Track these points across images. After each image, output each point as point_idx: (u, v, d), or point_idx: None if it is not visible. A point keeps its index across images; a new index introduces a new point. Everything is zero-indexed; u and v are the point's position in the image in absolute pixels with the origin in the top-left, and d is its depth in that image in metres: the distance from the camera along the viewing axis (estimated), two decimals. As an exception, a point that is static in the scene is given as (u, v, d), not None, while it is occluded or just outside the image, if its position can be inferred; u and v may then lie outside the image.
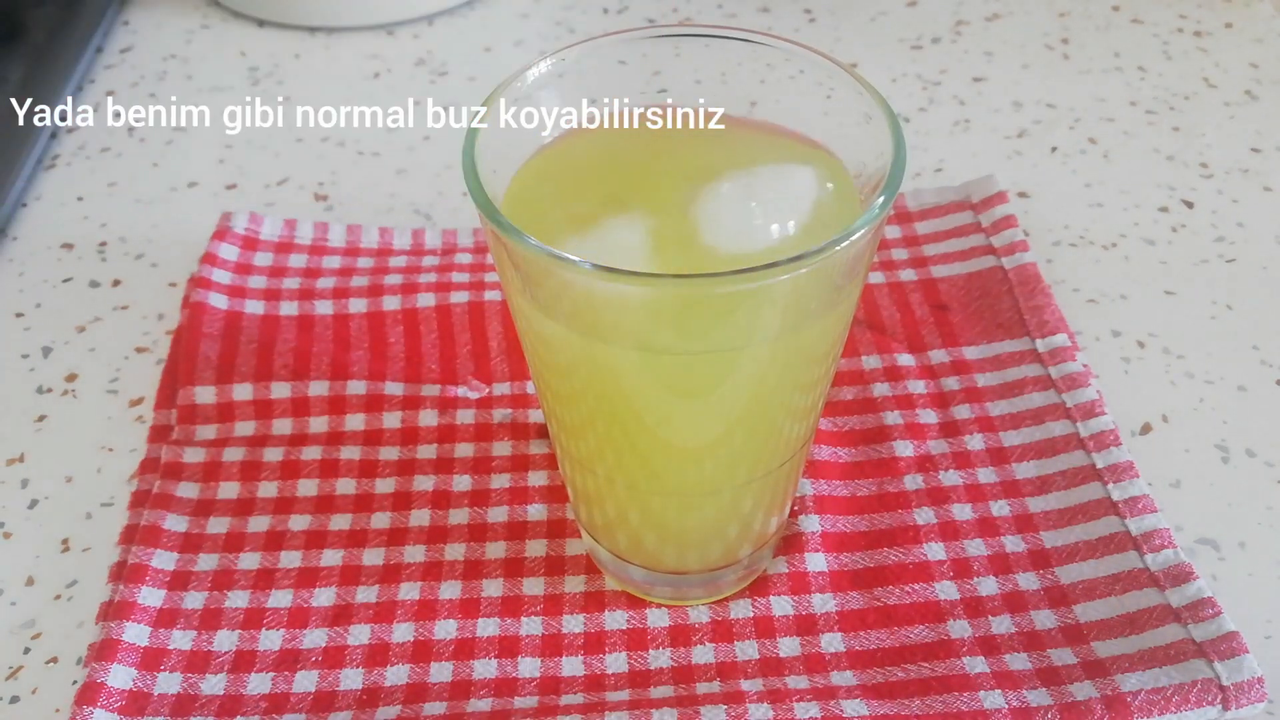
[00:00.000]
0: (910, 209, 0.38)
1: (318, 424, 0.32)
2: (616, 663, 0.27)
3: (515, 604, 0.28)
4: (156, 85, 0.47)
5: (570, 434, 0.26)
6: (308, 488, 0.31)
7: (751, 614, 0.28)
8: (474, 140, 0.23)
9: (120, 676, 0.26)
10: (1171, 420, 0.32)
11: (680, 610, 0.28)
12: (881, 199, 0.21)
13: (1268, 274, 0.37)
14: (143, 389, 0.34)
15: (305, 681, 0.27)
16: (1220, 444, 0.32)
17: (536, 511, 0.30)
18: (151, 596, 0.28)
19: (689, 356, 0.23)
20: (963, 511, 0.29)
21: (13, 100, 0.42)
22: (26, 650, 0.28)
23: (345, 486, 0.31)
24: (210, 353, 0.34)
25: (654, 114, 0.26)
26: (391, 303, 0.36)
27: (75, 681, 0.27)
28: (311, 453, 0.31)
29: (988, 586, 0.28)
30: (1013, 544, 0.29)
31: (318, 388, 0.33)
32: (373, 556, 0.29)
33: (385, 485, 0.31)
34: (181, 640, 0.27)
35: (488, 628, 0.28)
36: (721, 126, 0.26)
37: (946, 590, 0.28)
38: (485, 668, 0.27)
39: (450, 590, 0.28)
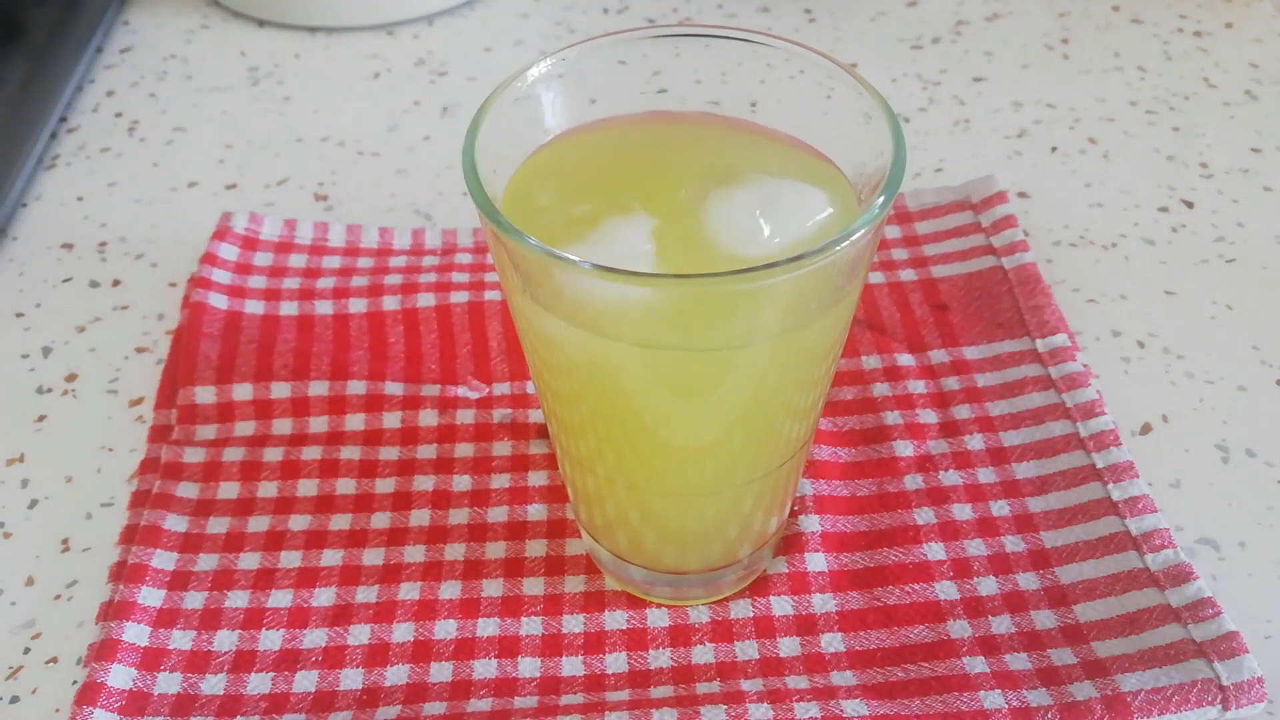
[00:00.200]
0: (910, 209, 0.38)
1: (318, 424, 0.32)
2: (616, 663, 0.27)
3: (515, 604, 0.28)
4: (156, 85, 0.47)
5: (570, 434, 0.26)
6: (308, 488, 0.31)
7: (751, 614, 0.28)
8: (474, 140, 0.23)
9: (120, 676, 0.26)
10: (1171, 420, 0.32)
11: (680, 610, 0.28)
12: (881, 199, 0.21)
13: (1268, 274, 0.37)
14: (143, 389, 0.34)
15: (305, 681, 0.27)
16: (1220, 444, 0.32)
17: (536, 511, 0.30)
18: (151, 596, 0.28)
19: (689, 356, 0.23)
20: (963, 511, 0.29)
21: (12, 100, 0.42)
22: (26, 650, 0.28)
23: (345, 486, 0.31)
24: (210, 353, 0.34)
25: (653, 115, 0.26)
26: (391, 303, 0.36)
27: (75, 681, 0.27)
28: (311, 453, 0.31)
29: (988, 586, 0.28)
30: (1013, 544, 0.29)
31: (318, 388, 0.33)
32: (373, 556, 0.29)
33: (385, 485, 0.31)
34: (181, 640, 0.27)
35: (488, 628, 0.28)
36: (721, 127, 0.26)
37: (946, 590, 0.28)
38: (485, 668, 0.27)
39: (450, 590, 0.28)
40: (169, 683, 0.27)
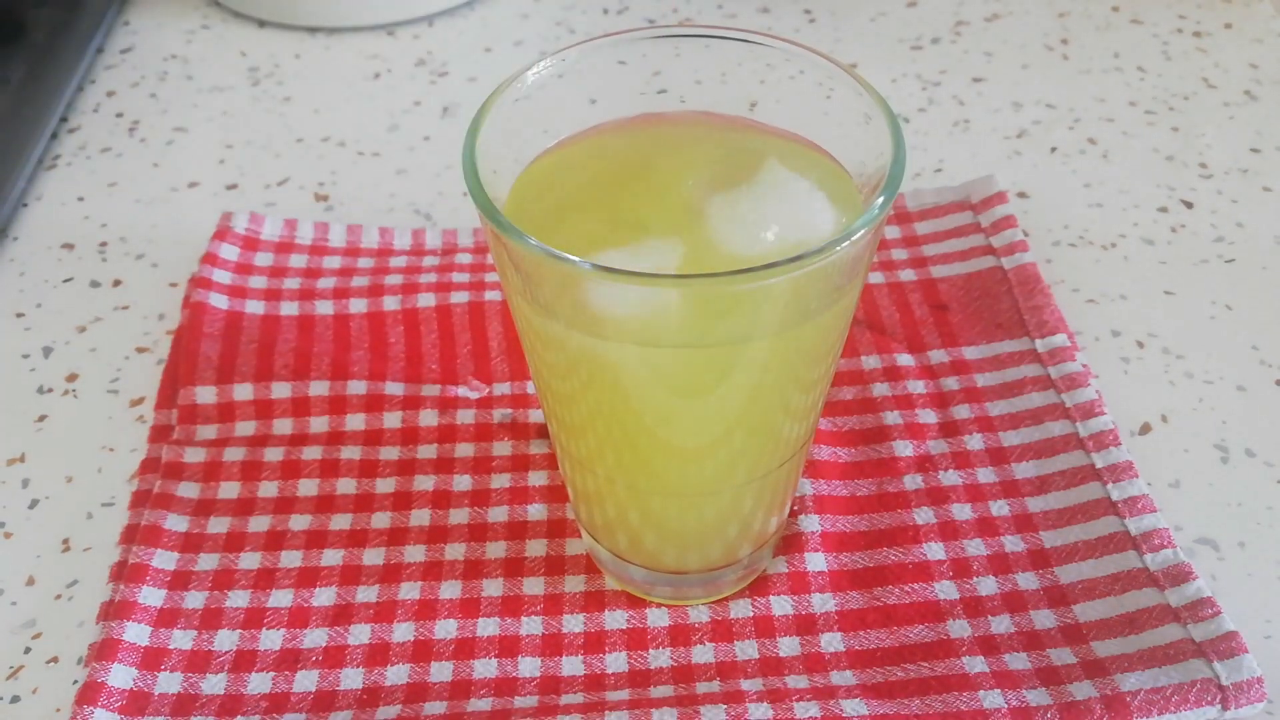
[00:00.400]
0: (910, 209, 0.38)
1: (318, 424, 0.32)
2: (616, 662, 0.27)
3: (515, 604, 0.28)
4: (157, 85, 0.47)
5: (570, 434, 0.26)
6: (308, 487, 0.31)
7: (751, 614, 0.28)
8: (474, 140, 0.23)
9: (121, 676, 0.26)
10: (1171, 420, 0.32)
11: (680, 610, 0.28)
12: (881, 199, 0.21)
13: (1267, 274, 0.37)
14: (143, 389, 0.34)
15: (305, 681, 0.27)
16: (1220, 444, 0.32)
17: (536, 511, 0.30)
18: (152, 596, 0.28)
19: (689, 356, 0.23)
20: (962, 511, 0.30)
21: (13, 100, 0.42)
22: (27, 650, 0.28)
23: (345, 486, 0.31)
24: (211, 353, 0.34)
25: (654, 115, 0.26)
26: (392, 303, 0.36)
27: (76, 681, 0.27)
28: (312, 452, 0.32)
29: (987, 586, 0.28)
30: (1012, 544, 0.29)
31: (318, 388, 0.33)
32: (373, 556, 0.29)
33: (385, 485, 0.31)
34: (182, 640, 0.27)
35: (488, 627, 0.28)
36: (723, 127, 0.26)
37: (946, 590, 0.28)
38: (485, 667, 0.27)
39: (450, 590, 0.28)
40: (169, 682, 0.27)
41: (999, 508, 0.30)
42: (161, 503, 0.30)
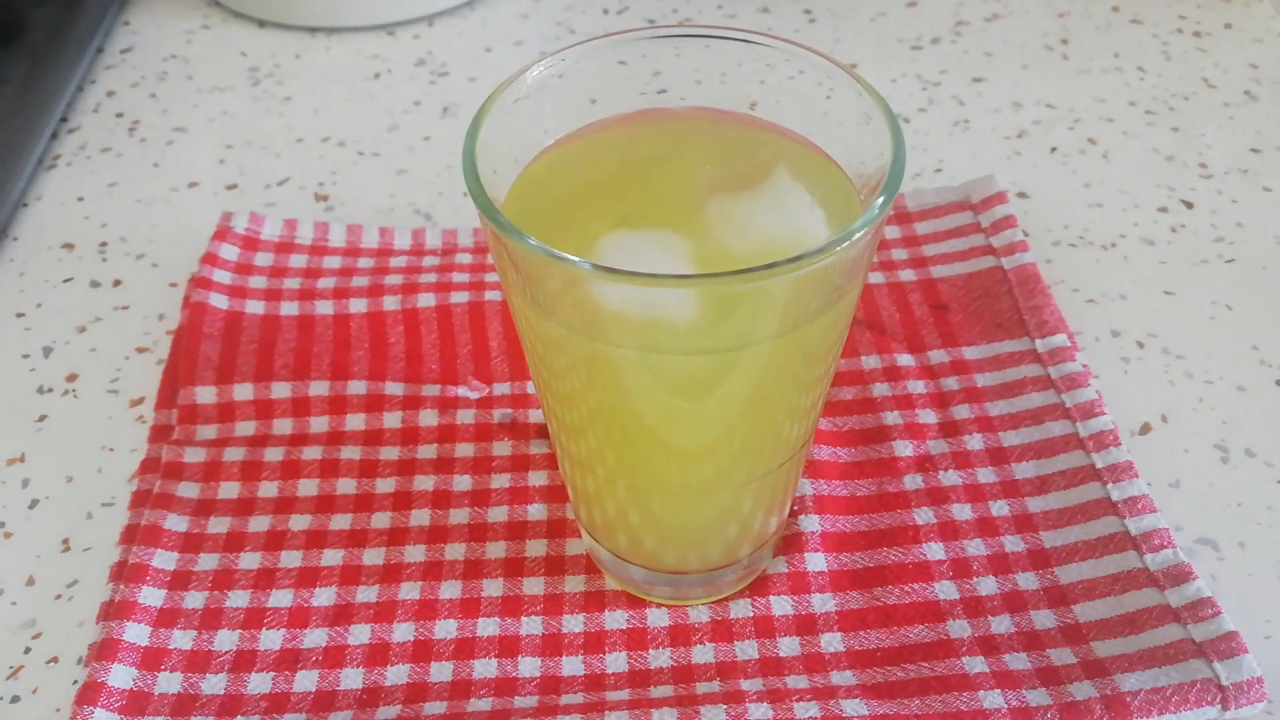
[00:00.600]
0: (910, 209, 0.38)
1: (318, 424, 0.32)
2: (616, 662, 0.27)
3: (515, 604, 0.28)
4: (157, 85, 0.47)
5: (570, 434, 0.26)
6: (308, 488, 0.31)
7: (751, 614, 0.28)
8: (474, 140, 0.23)
9: (121, 676, 0.26)
10: (1171, 420, 0.32)
11: (680, 610, 0.28)
12: (881, 199, 0.21)
13: (1267, 274, 0.37)
14: (143, 389, 0.34)
15: (305, 681, 0.27)
16: (1220, 444, 0.32)
17: (536, 511, 0.30)
18: (152, 596, 0.28)
19: (689, 357, 0.23)
20: (962, 511, 0.29)
21: (13, 100, 0.42)
22: (27, 650, 0.28)
23: (345, 486, 0.31)
24: (211, 353, 0.34)
25: (654, 114, 0.26)
26: (392, 303, 0.36)
27: (76, 681, 0.27)
28: (312, 453, 0.32)
29: (987, 586, 0.28)
30: (1012, 544, 0.29)
31: (318, 388, 0.33)
32: (373, 556, 0.29)
33: (385, 485, 0.31)
34: (182, 640, 0.27)
35: (488, 627, 0.28)
36: (723, 126, 0.26)
37: (946, 590, 0.28)
38: (485, 667, 0.27)
39: (450, 590, 0.28)
40: (169, 682, 0.27)
41: (999, 508, 0.30)
42: (161, 503, 0.30)
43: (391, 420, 0.32)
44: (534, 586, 0.29)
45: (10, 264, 0.39)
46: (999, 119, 0.43)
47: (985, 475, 0.30)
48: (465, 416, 0.33)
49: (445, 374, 0.34)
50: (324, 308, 0.36)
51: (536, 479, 0.31)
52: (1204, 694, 0.25)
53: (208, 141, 0.44)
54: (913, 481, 0.30)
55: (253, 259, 0.37)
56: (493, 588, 0.28)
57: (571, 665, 0.27)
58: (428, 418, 0.32)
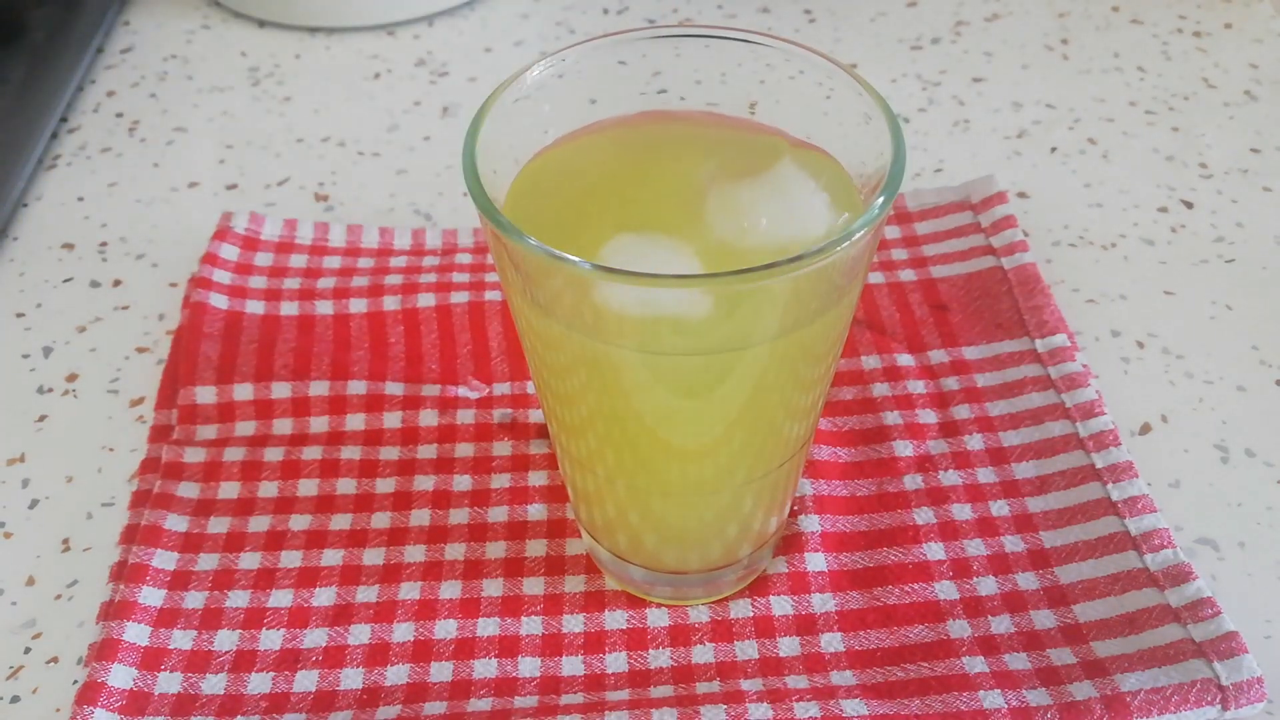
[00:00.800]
0: (910, 209, 0.38)
1: (318, 424, 0.32)
2: (616, 662, 0.27)
3: (515, 604, 0.28)
4: (157, 85, 0.47)
5: (570, 434, 0.26)
6: (308, 488, 0.31)
7: (751, 614, 0.28)
8: (474, 140, 0.23)
9: (121, 676, 0.26)
10: (1171, 420, 0.32)
11: (680, 610, 0.28)
12: (881, 199, 0.21)
13: (1267, 274, 0.37)
14: (143, 389, 0.34)
15: (305, 681, 0.27)
16: (1219, 444, 0.32)
17: (536, 511, 0.30)
18: (152, 596, 0.28)
19: (689, 357, 0.23)
20: (962, 511, 0.29)
21: (13, 100, 0.42)
22: (27, 650, 0.28)
23: (345, 486, 0.31)
24: (211, 353, 0.34)
25: (654, 115, 0.26)
26: (392, 303, 0.36)
27: (76, 681, 0.27)
28: (312, 452, 0.32)
29: (987, 586, 0.28)
30: (1012, 544, 0.29)
31: (318, 388, 0.33)
32: (373, 556, 0.29)
33: (385, 485, 0.31)
34: (182, 640, 0.27)
35: (488, 627, 0.28)
36: (722, 127, 0.26)
37: (946, 590, 0.28)
38: (485, 667, 0.27)
39: (450, 590, 0.28)
40: (169, 682, 0.27)
41: (999, 508, 0.30)
42: (161, 503, 0.30)
43: (391, 420, 0.32)
44: (534, 586, 0.29)
45: (10, 264, 0.39)
46: (999, 119, 0.43)
47: (985, 475, 0.30)
48: (465, 416, 0.33)
49: (445, 374, 0.34)
50: (324, 308, 0.36)
51: (536, 479, 0.31)
52: (1204, 694, 0.25)
53: (208, 141, 0.44)
54: (913, 481, 0.30)
55: (253, 259, 0.37)
56: (493, 588, 0.28)
57: (571, 665, 0.27)
58: (428, 418, 0.32)
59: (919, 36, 0.48)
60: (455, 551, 0.29)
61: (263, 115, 0.45)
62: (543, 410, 0.29)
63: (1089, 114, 0.43)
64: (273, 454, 0.31)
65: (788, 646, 0.27)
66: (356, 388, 0.33)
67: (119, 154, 0.43)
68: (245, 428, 0.32)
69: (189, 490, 0.30)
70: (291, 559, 0.29)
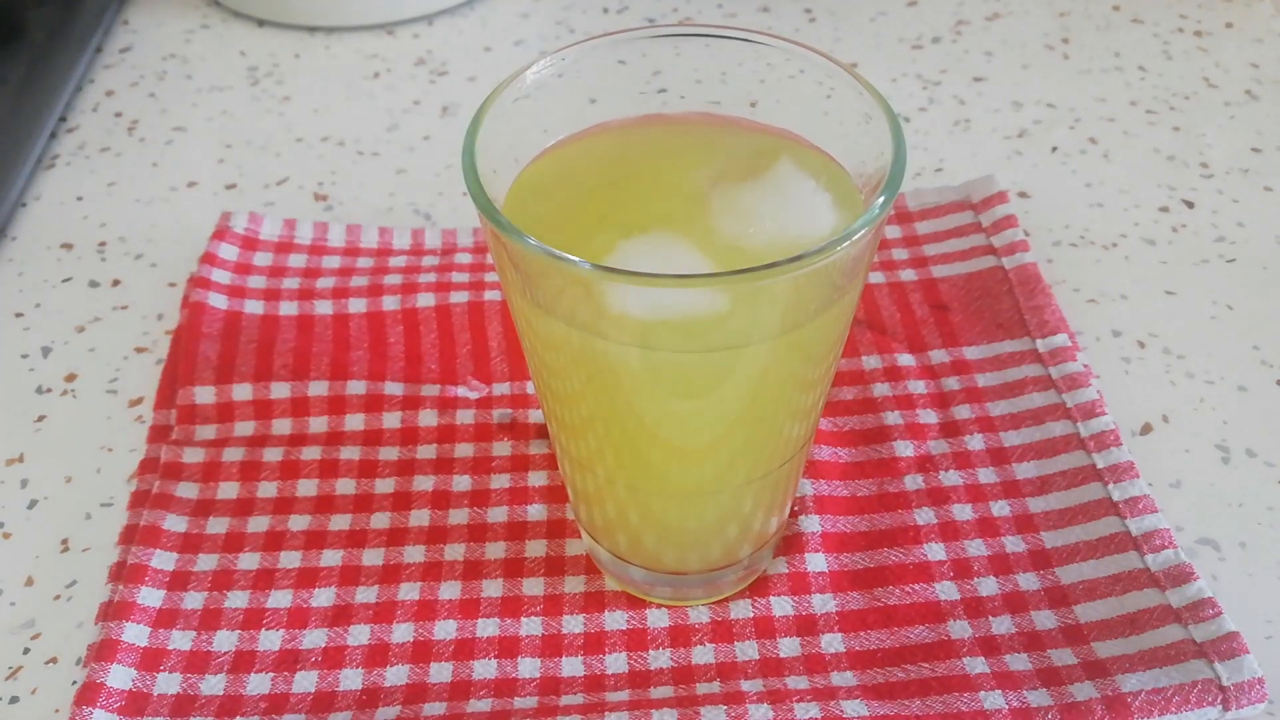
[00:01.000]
0: (910, 209, 0.38)
1: (317, 424, 0.32)
2: (616, 663, 0.27)
3: (515, 604, 0.28)
4: (156, 85, 0.47)
5: (570, 434, 0.26)
6: (307, 488, 0.31)
7: (751, 614, 0.28)
8: (474, 140, 0.23)
9: (120, 677, 0.26)
10: (1172, 420, 0.32)
11: (680, 610, 0.28)
12: (882, 199, 0.21)
13: (1268, 274, 0.37)
14: (142, 389, 0.34)
15: (305, 682, 0.27)
16: (1221, 444, 0.32)
17: (536, 512, 0.30)
18: (151, 597, 0.28)
19: (689, 356, 0.23)
20: (963, 512, 0.29)
21: (12, 100, 0.42)
22: (26, 650, 0.28)
23: (345, 487, 0.31)
24: (210, 353, 0.34)
25: (654, 116, 0.26)
26: (391, 303, 0.36)
27: (75, 682, 0.27)
28: (311, 453, 0.31)
29: (988, 587, 0.28)
30: (1013, 544, 0.29)
31: (317, 388, 0.33)
32: (372, 557, 0.29)
33: (385, 485, 0.31)
34: (181, 640, 0.27)
35: (487, 628, 0.28)
36: (721, 127, 0.26)
37: (947, 590, 0.28)
38: (485, 668, 0.27)
39: (450, 590, 0.28)
40: (168, 683, 0.27)
41: (1000, 508, 0.30)
42: (160, 503, 0.30)
43: (391, 420, 0.32)
44: (534, 587, 0.28)
45: (9, 264, 0.39)
46: (999, 118, 0.43)
47: (986, 475, 0.30)
48: (465, 416, 0.32)
49: (445, 374, 0.34)
50: (323, 307, 0.35)
51: (536, 479, 0.31)
52: (1205, 694, 0.25)
53: (207, 141, 0.44)
54: (913, 482, 0.30)
55: (252, 259, 0.37)
56: (492, 588, 0.28)
57: (571, 666, 0.27)
58: (427, 418, 0.32)
59: (919, 36, 0.47)
60: (455, 552, 0.29)
61: (262, 115, 0.45)
62: (542, 410, 0.29)
63: (1090, 113, 0.43)
64: (272, 454, 0.31)
65: (788, 647, 0.27)
66: (356, 388, 0.33)
67: (118, 153, 0.43)
68: (244, 428, 0.32)
69: (188, 490, 0.30)
70: (291, 559, 0.29)
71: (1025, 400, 0.32)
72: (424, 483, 0.31)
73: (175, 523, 0.30)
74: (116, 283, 0.38)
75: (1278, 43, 0.46)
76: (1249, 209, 0.39)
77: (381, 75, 0.47)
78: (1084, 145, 0.42)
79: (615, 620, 0.28)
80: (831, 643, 0.27)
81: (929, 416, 0.32)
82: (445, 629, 0.28)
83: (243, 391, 0.33)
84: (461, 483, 0.31)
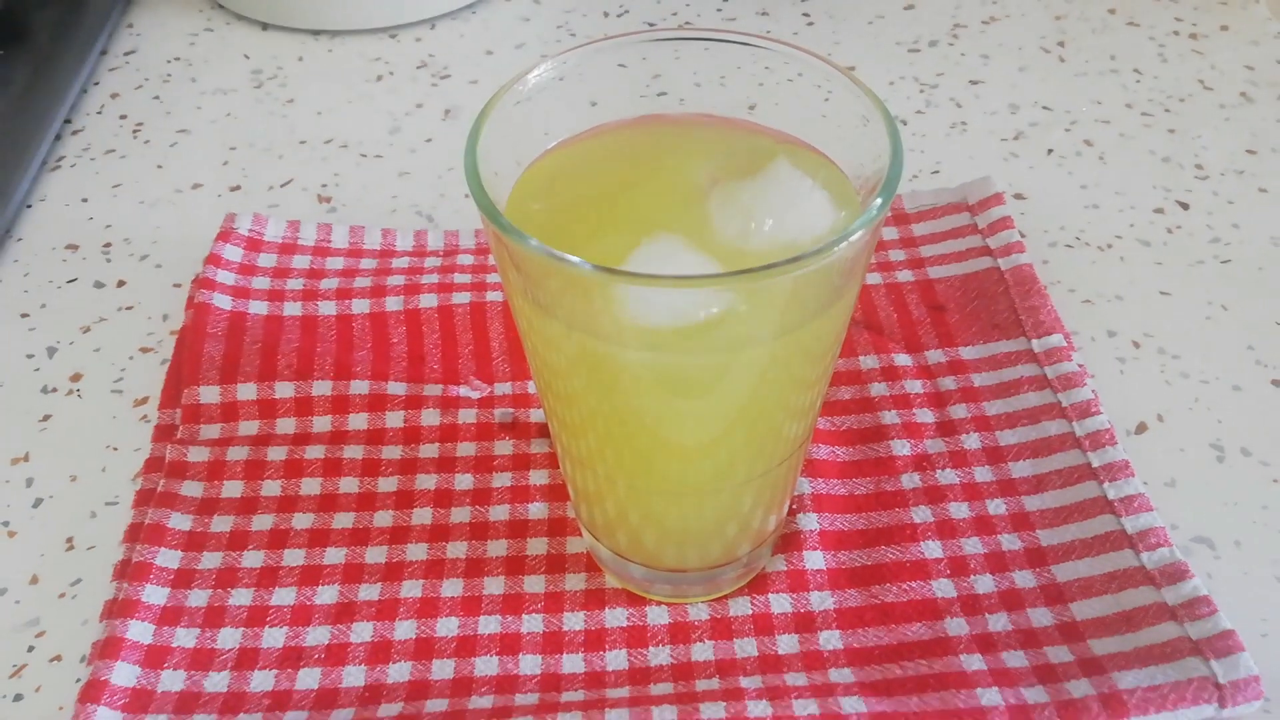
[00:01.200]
0: (907, 210, 0.38)
1: (321, 423, 0.33)
2: (617, 660, 0.27)
3: (516, 602, 0.28)
4: (160, 87, 0.47)
5: (571, 433, 0.26)
6: (311, 486, 0.31)
7: (750, 611, 0.28)
8: (476, 142, 0.23)
9: (124, 674, 0.27)
10: (1167, 420, 0.33)
11: (680, 608, 0.28)
12: (879, 200, 0.22)
13: (1263, 275, 0.37)
14: (147, 389, 0.35)
15: (308, 679, 0.27)
16: (1215, 443, 0.32)
17: (537, 510, 0.30)
18: (155, 594, 0.28)
19: (688, 357, 0.23)
20: (959, 510, 0.30)
21: (17, 102, 0.43)
22: (31, 648, 0.28)
23: (348, 485, 0.31)
24: (214, 353, 0.34)
25: (655, 117, 0.26)
26: (394, 303, 0.36)
27: (79, 679, 0.28)
28: (314, 452, 0.32)
29: (984, 584, 0.28)
30: (1009, 542, 0.29)
31: (321, 387, 0.33)
32: (375, 555, 0.29)
33: (388, 484, 0.31)
34: (185, 638, 0.28)
35: (489, 625, 0.28)
36: (721, 129, 0.26)
37: (944, 588, 0.28)
38: (486, 665, 0.27)
39: (452, 588, 0.29)
40: (173, 680, 0.27)
41: (996, 506, 0.30)
42: (165, 501, 0.30)
43: (394, 420, 0.33)
44: (535, 585, 0.29)
45: (15, 264, 0.39)
46: (996, 121, 0.43)
47: (982, 474, 0.30)
48: (467, 416, 0.33)
49: (447, 374, 0.34)
50: (327, 308, 0.36)
51: (537, 478, 0.31)
52: (1201, 692, 0.25)
53: (211, 143, 0.44)
54: (910, 480, 0.30)
55: (256, 260, 0.37)
56: (494, 586, 0.29)
57: (572, 663, 0.27)
58: (429, 417, 0.33)
59: (916, 39, 0.48)
60: (456, 550, 0.29)
61: (266, 117, 0.45)
62: (543, 409, 0.29)
63: (1085, 116, 0.43)
64: (275, 453, 0.32)
65: (787, 644, 0.27)
66: (359, 387, 0.33)
67: (123, 155, 0.44)
68: (248, 427, 0.33)
69: (192, 489, 0.31)
70: (294, 557, 0.29)
71: (1021, 400, 0.32)
72: (426, 481, 0.31)
73: (180, 521, 0.30)
74: (122, 283, 0.38)
75: (1273, 45, 0.46)
76: (1244, 210, 0.39)
77: (384, 78, 0.47)
78: (1080, 147, 0.42)
79: (615, 617, 0.28)
80: (830, 640, 0.27)
81: (926, 416, 0.32)
82: (447, 626, 0.28)
83: (247, 391, 0.33)
84: (463, 481, 0.31)
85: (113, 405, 0.34)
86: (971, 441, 0.31)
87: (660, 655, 0.27)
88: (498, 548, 0.29)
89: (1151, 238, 0.38)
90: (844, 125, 0.24)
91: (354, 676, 0.27)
